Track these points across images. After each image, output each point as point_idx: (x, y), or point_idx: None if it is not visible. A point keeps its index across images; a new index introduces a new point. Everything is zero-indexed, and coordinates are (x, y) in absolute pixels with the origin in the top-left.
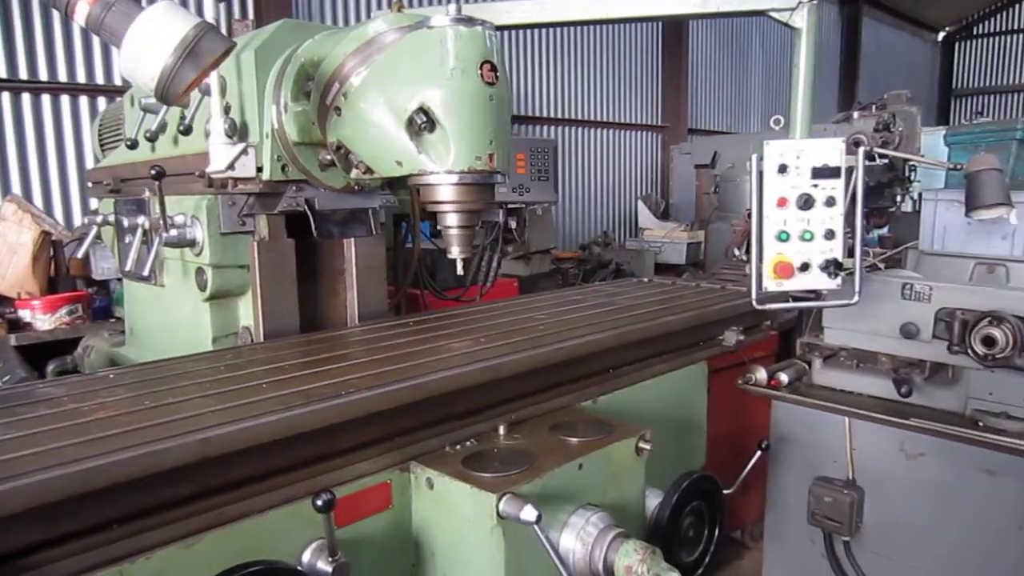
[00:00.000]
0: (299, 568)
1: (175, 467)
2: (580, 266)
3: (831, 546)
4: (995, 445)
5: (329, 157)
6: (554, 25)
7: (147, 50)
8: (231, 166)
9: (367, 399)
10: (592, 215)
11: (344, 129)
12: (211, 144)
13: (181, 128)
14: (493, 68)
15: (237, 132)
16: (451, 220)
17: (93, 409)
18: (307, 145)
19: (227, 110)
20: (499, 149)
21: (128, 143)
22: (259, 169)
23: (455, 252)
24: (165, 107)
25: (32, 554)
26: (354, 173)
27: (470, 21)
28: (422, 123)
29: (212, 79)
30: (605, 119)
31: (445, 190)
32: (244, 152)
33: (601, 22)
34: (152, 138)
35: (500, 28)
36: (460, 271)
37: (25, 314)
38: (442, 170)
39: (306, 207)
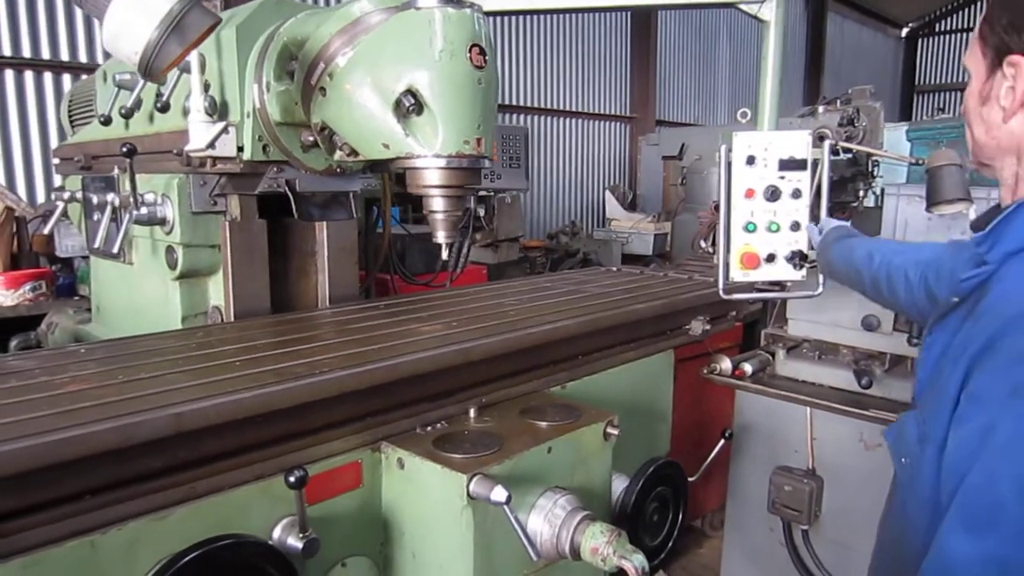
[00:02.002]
0: (270, 543)
1: (148, 440)
2: (548, 255)
3: (790, 534)
4: None
5: (312, 138)
6: (526, 13)
7: (131, 24)
8: (211, 145)
9: (340, 379)
10: (560, 204)
11: (329, 110)
12: (191, 122)
13: (159, 105)
14: (482, 51)
15: (217, 111)
16: (437, 204)
17: (65, 382)
18: (289, 126)
19: (206, 88)
20: (487, 133)
21: (102, 119)
22: (240, 149)
23: (440, 236)
24: (141, 84)
25: (3, 522)
26: (338, 155)
27: (459, 3)
28: (410, 106)
29: (192, 56)
30: (573, 108)
31: (432, 174)
32: (225, 131)
33: (576, 10)
34: (127, 115)
35: None
36: (445, 255)
37: None
38: (430, 154)
39: (287, 188)
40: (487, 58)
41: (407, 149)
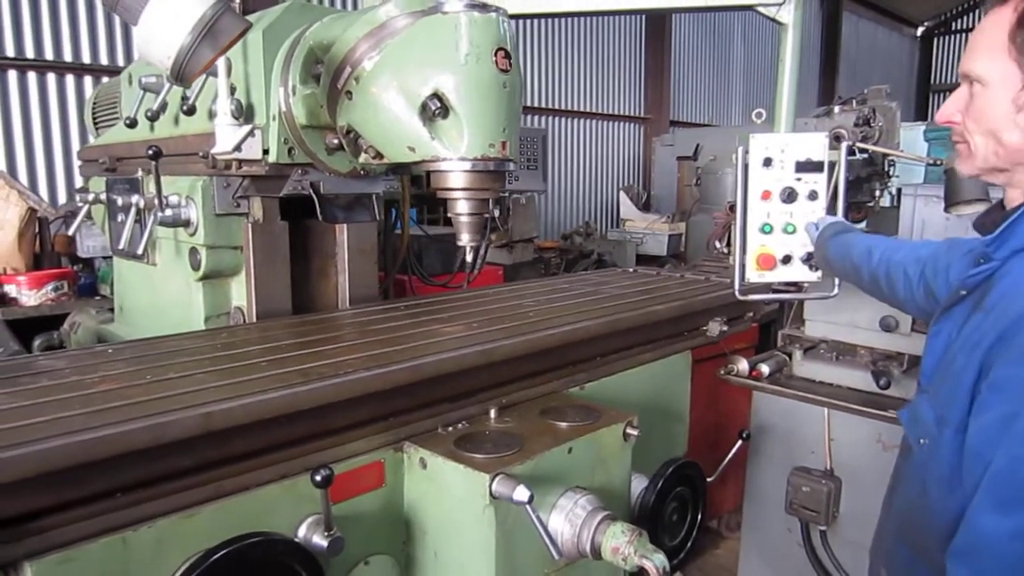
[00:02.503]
0: (296, 540)
1: (178, 439)
2: (562, 256)
3: (808, 535)
4: None
5: (336, 141)
6: (544, 16)
7: (164, 29)
8: (238, 147)
9: (365, 379)
10: (574, 205)
11: (355, 113)
12: (217, 125)
13: (184, 108)
14: (507, 55)
15: (243, 113)
16: (462, 207)
17: (96, 382)
18: (314, 128)
19: (232, 91)
20: (512, 136)
21: (127, 122)
22: (265, 151)
23: (465, 239)
24: (167, 86)
25: (39, 519)
26: (363, 158)
27: (484, 7)
28: (436, 109)
29: (219, 60)
30: (588, 109)
31: (457, 177)
32: (251, 134)
33: (592, 14)
34: (153, 117)
35: None
36: (469, 258)
37: (11, 289)
38: (455, 157)
39: (311, 191)
40: (512, 61)
41: (433, 152)
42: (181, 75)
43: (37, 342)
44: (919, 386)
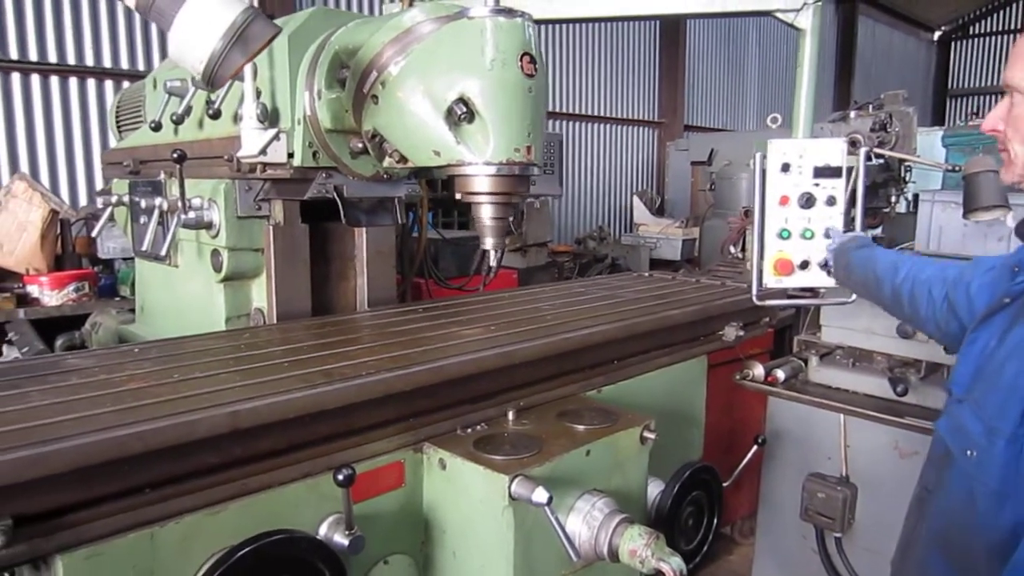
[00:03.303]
0: (319, 539)
1: (206, 437)
2: (576, 260)
3: (823, 542)
4: None
5: (360, 145)
6: (559, 22)
7: (197, 34)
8: (263, 151)
9: (386, 380)
10: (587, 209)
11: (380, 118)
12: (243, 129)
13: (210, 112)
14: (532, 60)
15: (268, 117)
16: (487, 211)
17: (124, 380)
18: (339, 132)
19: (258, 95)
20: (536, 141)
21: (152, 125)
22: (290, 155)
23: (489, 243)
24: (192, 90)
25: (70, 514)
26: (387, 162)
27: (510, 12)
28: (461, 114)
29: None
30: (601, 114)
31: (483, 181)
32: (276, 138)
33: (607, 19)
34: (178, 121)
35: None
36: (493, 262)
37: (33, 289)
38: (480, 161)
39: (335, 194)
40: (537, 66)
41: (458, 156)
42: (212, 80)
43: (59, 342)
44: (951, 395)
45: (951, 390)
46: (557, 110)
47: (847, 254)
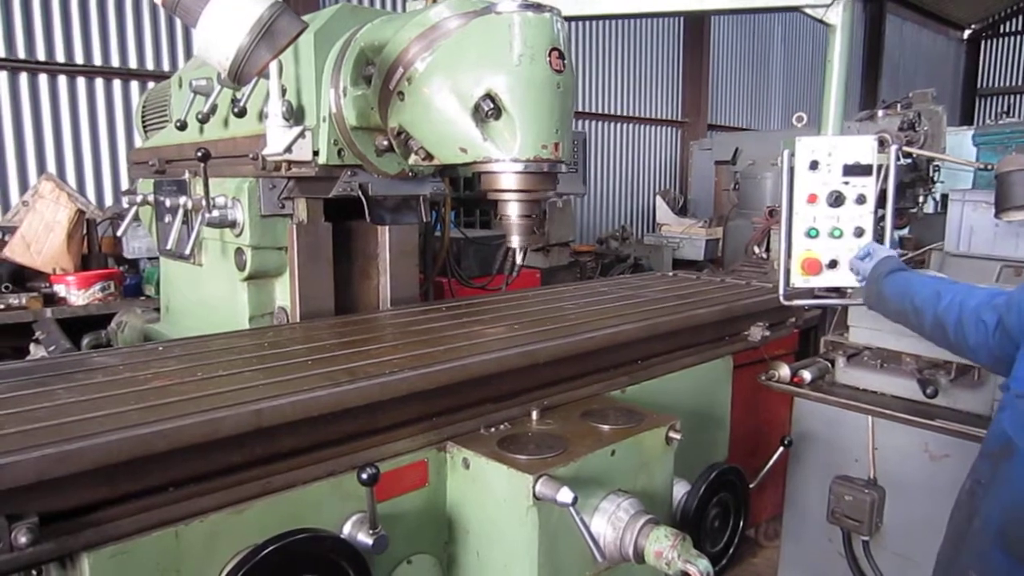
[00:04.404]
0: (343, 538)
1: (230, 435)
2: (598, 259)
3: (850, 545)
4: None
5: (386, 142)
6: (585, 18)
7: (223, 30)
8: (288, 149)
9: (410, 378)
10: (610, 209)
11: (406, 114)
12: (269, 127)
13: (235, 110)
14: (560, 55)
15: (294, 115)
16: (514, 209)
17: (149, 378)
18: (364, 130)
19: (283, 92)
20: (564, 138)
21: (177, 124)
22: (315, 153)
23: (515, 241)
24: (217, 89)
25: (95, 512)
26: (412, 159)
27: (538, 7)
28: (488, 110)
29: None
30: (625, 113)
31: (509, 178)
32: (301, 135)
33: (634, 15)
34: (203, 120)
35: None
36: (520, 260)
37: (60, 289)
38: (507, 158)
39: (360, 192)
40: (566, 62)
41: (485, 153)
42: (239, 76)
43: (86, 340)
44: (1009, 390)
45: (1010, 386)
46: (580, 109)
47: (878, 282)
